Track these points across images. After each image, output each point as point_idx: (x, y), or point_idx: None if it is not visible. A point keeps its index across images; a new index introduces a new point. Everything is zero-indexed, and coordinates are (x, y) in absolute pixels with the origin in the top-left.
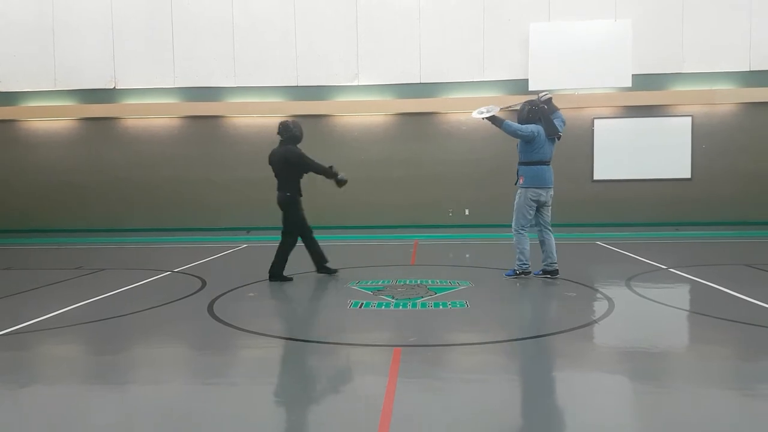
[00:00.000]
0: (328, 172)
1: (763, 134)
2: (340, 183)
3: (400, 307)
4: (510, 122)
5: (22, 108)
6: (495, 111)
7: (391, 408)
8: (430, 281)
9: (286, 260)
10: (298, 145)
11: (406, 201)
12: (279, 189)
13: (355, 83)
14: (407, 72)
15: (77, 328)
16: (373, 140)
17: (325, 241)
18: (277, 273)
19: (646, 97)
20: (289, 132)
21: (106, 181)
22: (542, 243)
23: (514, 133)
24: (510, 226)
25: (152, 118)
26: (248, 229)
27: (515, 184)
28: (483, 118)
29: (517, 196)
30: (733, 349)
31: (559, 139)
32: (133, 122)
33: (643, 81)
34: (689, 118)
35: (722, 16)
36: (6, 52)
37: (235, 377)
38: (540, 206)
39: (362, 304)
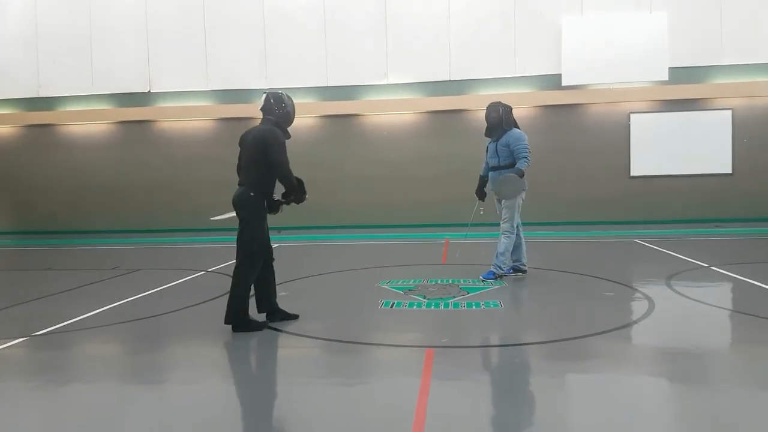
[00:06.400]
0: (298, 190)
1: None
2: (299, 202)
3: (432, 307)
4: (522, 161)
5: (61, 112)
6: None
7: (424, 410)
8: (462, 281)
9: (248, 295)
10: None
11: (436, 199)
12: (241, 183)
13: (384, 82)
14: (437, 69)
15: (114, 328)
16: (404, 138)
17: (355, 240)
18: (239, 317)
19: (684, 90)
20: (283, 107)
21: (141, 182)
22: (518, 245)
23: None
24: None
25: (187, 120)
26: (280, 229)
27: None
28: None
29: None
30: None
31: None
32: (168, 125)
33: (680, 74)
34: (729, 112)
35: (762, 5)
36: (46, 59)
37: (268, 376)
38: None
39: (393, 303)
